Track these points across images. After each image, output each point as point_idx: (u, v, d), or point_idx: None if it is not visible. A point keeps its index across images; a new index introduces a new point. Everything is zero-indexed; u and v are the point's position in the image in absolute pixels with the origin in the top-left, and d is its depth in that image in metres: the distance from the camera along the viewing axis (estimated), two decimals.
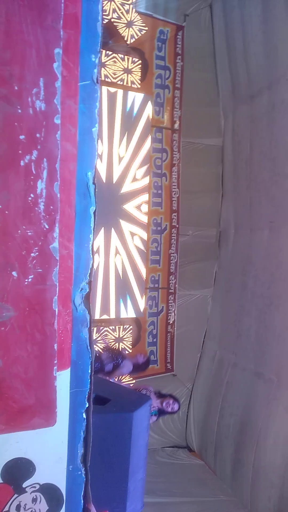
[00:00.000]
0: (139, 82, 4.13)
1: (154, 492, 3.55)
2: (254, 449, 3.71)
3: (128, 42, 4.02)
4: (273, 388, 3.72)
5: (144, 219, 4.35)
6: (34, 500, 1.16)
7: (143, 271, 4.35)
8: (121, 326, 4.32)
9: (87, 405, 1.18)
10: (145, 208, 4.34)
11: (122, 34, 3.96)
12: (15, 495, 1.14)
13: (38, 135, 0.97)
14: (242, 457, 3.88)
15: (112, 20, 3.92)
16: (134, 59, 4.06)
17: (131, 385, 4.00)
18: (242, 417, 3.99)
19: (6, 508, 1.13)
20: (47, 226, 1.01)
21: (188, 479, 4.16)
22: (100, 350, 3.75)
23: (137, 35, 4.08)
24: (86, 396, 1.18)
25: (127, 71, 4.08)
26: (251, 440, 3.78)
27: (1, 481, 1.11)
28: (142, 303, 4.36)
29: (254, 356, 4.03)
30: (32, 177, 0.98)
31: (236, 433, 4.02)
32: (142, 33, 4.08)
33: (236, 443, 4.00)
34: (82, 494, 1.22)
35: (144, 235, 4.35)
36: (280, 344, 3.71)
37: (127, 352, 4.16)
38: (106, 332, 4.22)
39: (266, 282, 3.99)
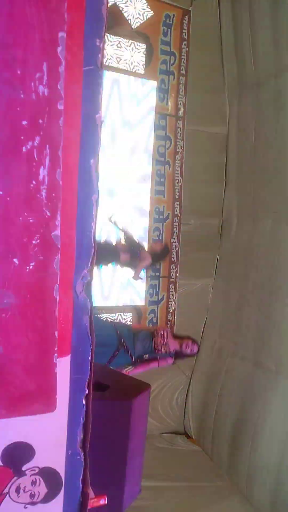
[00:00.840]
0: (144, 67, 4.06)
1: (152, 476, 3.61)
2: (251, 436, 3.76)
3: (133, 27, 3.94)
4: (271, 377, 3.75)
5: (146, 207, 4.33)
6: (34, 482, 1.18)
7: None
8: (122, 314, 4.34)
9: (86, 392, 1.19)
10: (147, 196, 4.32)
11: (127, 18, 3.89)
12: (15, 478, 1.16)
13: (40, 121, 0.96)
14: (239, 444, 3.93)
15: (117, 3, 3.85)
16: (139, 43, 3.99)
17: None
18: (240, 405, 4.03)
19: (6, 490, 1.16)
20: (49, 214, 1.00)
21: (186, 464, 4.23)
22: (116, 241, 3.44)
23: (143, 19, 4.00)
24: (86, 382, 1.19)
25: (132, 56, 4.01)
26: (249, 427, 3.82)
27: (1, 464, 1.13)
28: (143, 291, 4.38)
29: (253, 346, 4.05)
30: (34, 163, 0.97)
31: (234, 421, 4.07)
32: (147, 17, 4.00)
33: (234, 430, 4.05)
34: (81, 478, 1.24)
35: (146, 223, 4.34)
36: (280, 334, 3.73)
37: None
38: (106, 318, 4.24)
39: (267, 273, 3.99)
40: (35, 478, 1.18)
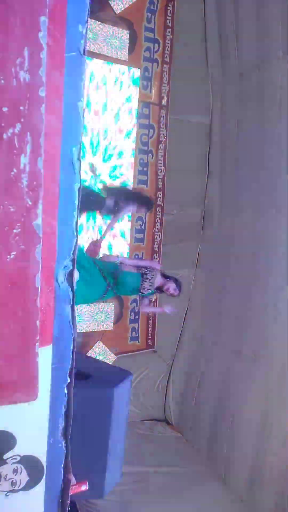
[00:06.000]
0: (127, 54, 4.00)
1: (132, 462, 3.67)
2: (230, 423, 3.85)
3: (117, 12, 3.87)
4: (249, 365, 3.83)
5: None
6: (15, 471, 1.19)
7: (127, 248, 4.35)
8: (104, 303, 4.34)
9: (68, 380, 1.20)
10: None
11: (110, 3, 3.81)
12: None
13: (21, 107, 0.94)
14: (218, 430, 4.03)
15: None
16: (122, 30, 3.92)
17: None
18: (219, 393, 4.12)
19: None
20: (30, 202, 0.99)
21: (166, 450, 4.31)
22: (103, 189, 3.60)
23: (126, 4, 3.93)
24: (68, 371, 1.19)
25: (115, 42, 3.95)
26: (227, 414, 3.91)
27: None
28: None
29: (233, 335, 4.13)
30: (15, 151, 0.95)
31: (213, 408, 4.15)
32: (131, 2, 3.93)
33: (213, 417, 4.14)
34: (63, 465, 1.25)
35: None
36: (258, 323, 3.81)
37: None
38: (87, 309, 4.24)
39: (247, 263, 4.05)
40: (16, 467, 1.18)
